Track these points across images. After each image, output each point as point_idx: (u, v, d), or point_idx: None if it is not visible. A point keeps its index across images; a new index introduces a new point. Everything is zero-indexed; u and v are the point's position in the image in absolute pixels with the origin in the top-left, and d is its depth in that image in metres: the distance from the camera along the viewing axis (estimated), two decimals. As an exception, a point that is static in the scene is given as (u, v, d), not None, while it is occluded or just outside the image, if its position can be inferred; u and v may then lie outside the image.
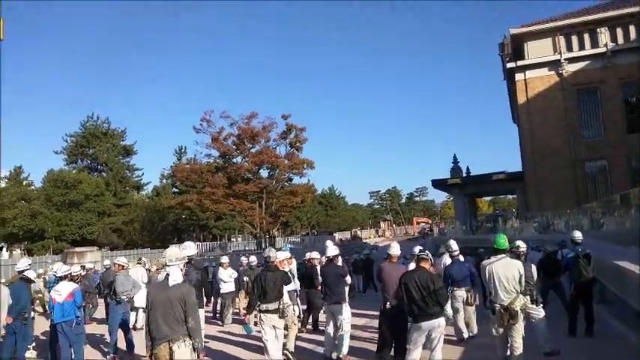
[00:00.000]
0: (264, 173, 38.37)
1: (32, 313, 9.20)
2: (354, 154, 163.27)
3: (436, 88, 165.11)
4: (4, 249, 46.51)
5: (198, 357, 4.55)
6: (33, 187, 48.45)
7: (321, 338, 8.15)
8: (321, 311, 10.25)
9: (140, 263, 15.92)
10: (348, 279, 8.33)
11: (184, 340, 4.49)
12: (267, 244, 36.94)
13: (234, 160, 37.93)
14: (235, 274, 12.67)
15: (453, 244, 9.07)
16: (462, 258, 9.20)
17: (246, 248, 38.74)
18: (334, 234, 59.26)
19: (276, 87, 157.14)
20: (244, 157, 37.09)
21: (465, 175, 34.33)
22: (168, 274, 4.79)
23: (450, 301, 7.39)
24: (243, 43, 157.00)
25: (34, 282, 9.55)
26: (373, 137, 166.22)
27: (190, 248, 7.40)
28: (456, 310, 8.27)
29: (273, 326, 6.59)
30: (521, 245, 7.96)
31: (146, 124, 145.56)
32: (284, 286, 7.01)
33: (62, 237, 42.40)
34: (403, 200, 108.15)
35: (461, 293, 8.39)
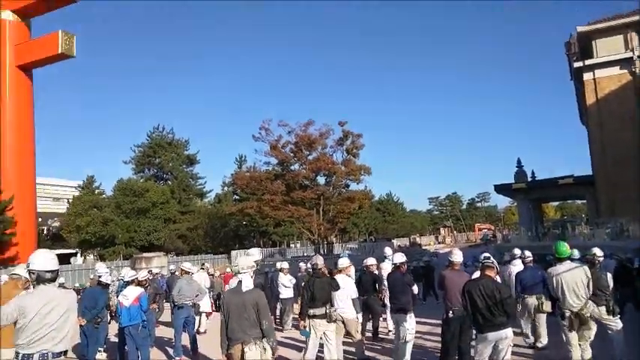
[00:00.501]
0: (321, 180, 38.57)
1: (107, 317, 9.65)
2: (412, 159, 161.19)
3: (499, 89, 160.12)
4: (79, 254, 49.54)
5: (273, 354, 4.94)
6: (104, 196, 51.27)
7: (382, 346, 8.03)
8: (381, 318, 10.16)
9: (203, 268, 16.35)
10: (415, 288, 8.10)
11: (255, 343, 4.85)
12: (326, 251, 37.05)
13: (292, 167, 38.40)
14: (294, 280, 12.75)
15: (525, 252, 8.98)
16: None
17: (305, 254, 39.04)
18: (392, 240, 58.48)
19: (334, 92, 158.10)
20: (302, 164, 37.46)
21: (529, 179, 32.99)
22: (240, 281, 5.20)
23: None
24: (299, 49, 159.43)
25: (109, 286, 9.96)
26: (432, 141, 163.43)
27: (256, 255, 7.74)
28: (526, 317, 8.05)
29: (324, 331, 6.83)
30: (598, 253, 7.53)
31: (208, 133, 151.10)
32: (336, 292, 7.27)
33: (131, 243, 44.51)
34: (464, 206, 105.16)
35: (532, 300, 8.13)
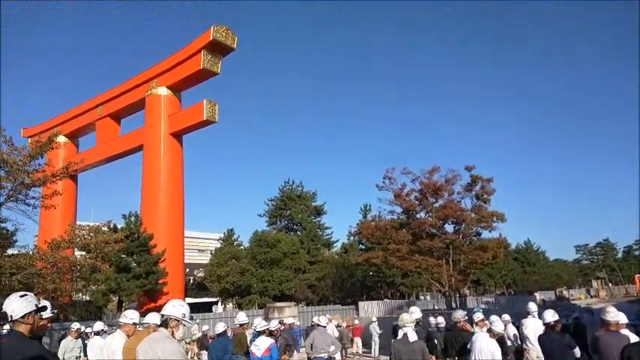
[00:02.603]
0: (449, 228, 37.12)
1: None
2: (553, 204, 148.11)
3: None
4: (219, 303, 53.02)
5: None
6: (242, 247, 54.89)
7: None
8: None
9: (331, 320, 16.53)
10: (577, 351, 7.08)
11: None
12: (458, 304, 35.03)
13: (418, 215, 37.62)
14: (424, 334, 12.21)
15: None
16: None
17: (435, 307, 37.31)
18: (535, 293, 53.46)
19: (460, 138, 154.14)
20: (427, 211, 36.56)
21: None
22: (405, 333, 6.66)
23: None
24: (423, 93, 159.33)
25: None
26: (574, 182, 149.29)
27: (417, 312, 8.81)
28: None
29: None
30: None
31: (334, 185, 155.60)
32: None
33: (265, 292, 46.59)
34: (619, 254, 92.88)
35: None
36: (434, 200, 36.15)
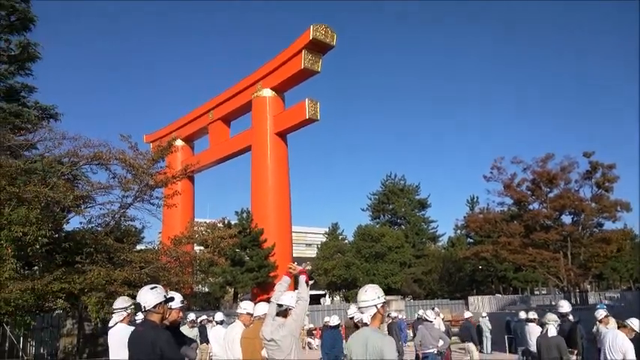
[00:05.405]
0: (566, 219, 34.47)
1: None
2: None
3: None
4: (327, 295, 54.36)
5: None
6: (346, 241, 55.68)
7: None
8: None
9: (438, 314, 16.35)
10: None
11: None
12: (578, 300, 32.48)
13: (530, 206, 35.41)
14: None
15: None
16: None
17: (552, 303, 34.92)
18: (670, 290, 47.77)
19: (575, 124, 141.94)
20: (541, 202, 34.28)
21: None
22: (547, 329, 7.89)
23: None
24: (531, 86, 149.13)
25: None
26: None
27: (565, 306, 9.66)
28: None
29: None
30: None
31: (438, 177, 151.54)
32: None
33: (371, 286, 46.82)
34: None
35: None
36: (548, 190, 33.84)
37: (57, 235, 15.12)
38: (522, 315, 15.22)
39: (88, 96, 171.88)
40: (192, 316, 13.30)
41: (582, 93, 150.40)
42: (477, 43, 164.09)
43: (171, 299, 4.38)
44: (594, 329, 9.20)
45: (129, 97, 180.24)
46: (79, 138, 15.85)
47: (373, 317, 3.73)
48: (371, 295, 3.75)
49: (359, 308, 3.89)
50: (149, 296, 3.92)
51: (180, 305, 4.91)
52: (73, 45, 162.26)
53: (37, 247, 12.77)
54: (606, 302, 31.05)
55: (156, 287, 4.04)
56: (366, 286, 3.86)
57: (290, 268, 4.87)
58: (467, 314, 17.55)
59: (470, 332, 15.49)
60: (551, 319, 7.98)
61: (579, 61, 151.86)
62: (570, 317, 9.95)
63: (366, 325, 3.79)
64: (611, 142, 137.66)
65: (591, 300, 35.74)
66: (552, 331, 7.73)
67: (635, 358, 6.20)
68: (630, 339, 6.40)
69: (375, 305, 3.72)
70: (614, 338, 6.42)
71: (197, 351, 5.78)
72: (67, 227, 16.66)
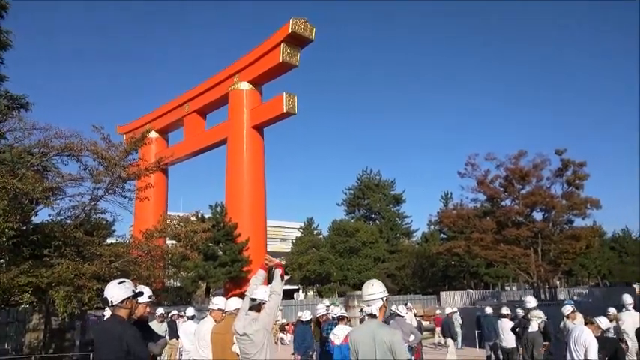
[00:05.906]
0: (537, 216, 35.19)
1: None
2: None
3: None
4: (300, 290, 54.38)
5: None
6: (321, 236, 55.76)
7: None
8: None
9: (410, 309, 16.52)
10: None
11: None
12: (547, 296, 33.26)
13: (503, 203, 36.01)
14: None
15: None
16: None
17: (521, 298, 35.66)
18: (634, 285, 49.33)
19: (547, 121, 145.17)
20: (514, 199, 34.86)
21: None
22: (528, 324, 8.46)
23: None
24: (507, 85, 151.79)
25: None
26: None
27: (532, 302, 9.74)
28: None
29: None
30: None
31: (413, 173, 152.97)
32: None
33: (344, 281, 47.06)
34: None
35: None
36: (520, 187, 34.43)
37: (25, 228, 14.65)
38: (488, 310, 15.50)
39: (61, 85, 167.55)
40: (160, 310, 13.04)
41: (558, 90, 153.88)
42: (454, 40, 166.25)
43: (140, 294, 4.28)
44: (561, 324, 9.38)
45: (103, 87, 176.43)
46: (50, 128, 15.37)
47: (379, 310, 3.96)
48: (378, 288, 4.05)
49: (366, 301, 4.09)
50: (116, 291, 3.86)
51: (149, 300, 4.82)
52: (47, 33, 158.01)
53: (4, 239, 12.36)
54: (575, 298, 31.91)
55: (124, 282, 3.98)
56: (371, 280, 4.14)
57: (266, 260, 4.79)
58: (448, 310, 17.71)
59: (450, 328, 15.70)
60: (535, 315, 8.47)
61: (560, 57, 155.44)
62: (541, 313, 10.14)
63: (375, 316, 3.94)
64: (583, 139, 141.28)
65: (560, 296, 36.66)
66: (534, 326, 8.19)
67: (597, 355, 6.28)
68: (596, 336, 6.50)
69: (382, 298, 4.00)
70: (580, 334, 6.51)
71: (166, 347, 5.65)
72: (36, 220, 16.17)
